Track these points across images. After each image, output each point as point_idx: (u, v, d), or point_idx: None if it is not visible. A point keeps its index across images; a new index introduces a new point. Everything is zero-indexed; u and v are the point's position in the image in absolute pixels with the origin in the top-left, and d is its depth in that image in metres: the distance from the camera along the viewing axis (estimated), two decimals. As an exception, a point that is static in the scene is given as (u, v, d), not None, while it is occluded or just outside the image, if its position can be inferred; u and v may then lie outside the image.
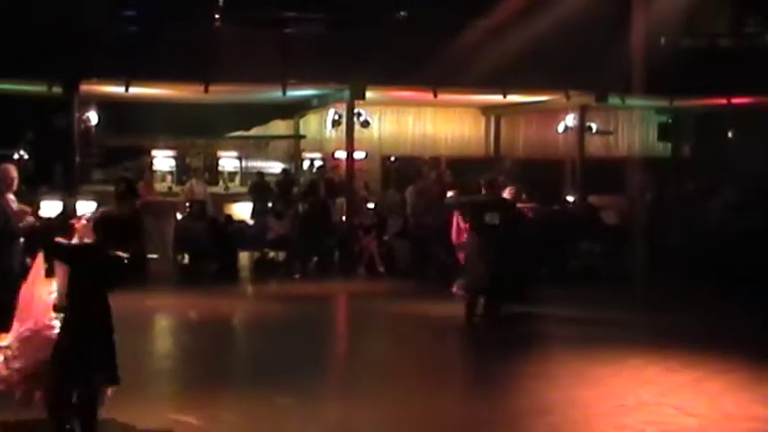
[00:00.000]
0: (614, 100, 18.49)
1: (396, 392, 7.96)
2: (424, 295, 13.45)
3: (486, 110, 21.86)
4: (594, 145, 20.32)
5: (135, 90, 16.45)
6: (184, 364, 9.33)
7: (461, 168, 19.32)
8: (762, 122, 19.71)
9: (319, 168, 19.61)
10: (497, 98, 18.93)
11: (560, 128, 20.24)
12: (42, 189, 16.23)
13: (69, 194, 14.86)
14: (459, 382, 8.60)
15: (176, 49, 15.59)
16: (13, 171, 8.94)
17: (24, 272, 11.65)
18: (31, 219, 9.01)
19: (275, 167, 20.18)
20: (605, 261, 15.29)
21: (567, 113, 19.64)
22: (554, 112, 20.29)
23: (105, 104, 18.06)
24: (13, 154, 17.99)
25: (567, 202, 18.63)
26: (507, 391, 8.06)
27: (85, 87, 15.79)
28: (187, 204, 16.64)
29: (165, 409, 7.25)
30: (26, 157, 17.62)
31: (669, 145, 21.58)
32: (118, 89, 16.35)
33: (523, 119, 22.02)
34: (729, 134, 21.66)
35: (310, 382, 8.20)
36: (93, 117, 17.84)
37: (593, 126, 20.16)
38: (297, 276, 15.43)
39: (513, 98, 19.00)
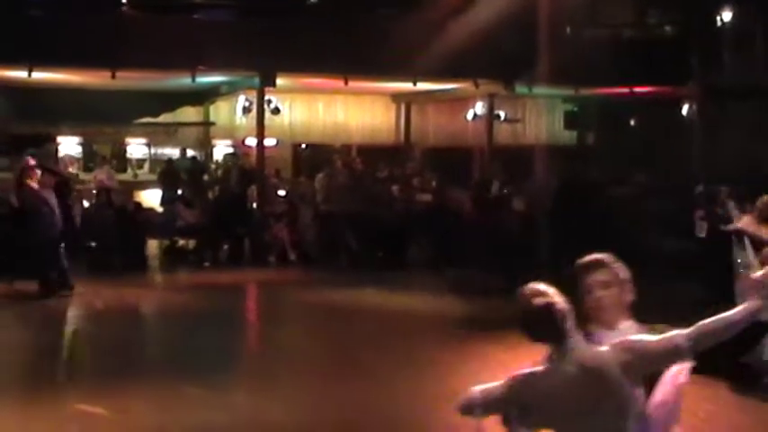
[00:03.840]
0: (522, 88, 18.86)
1: (306, 382, 8.12)
2: (335, 284, 13.56)
3: (397, 97, 21.96)
4: (502, 133, 20.71)
5: (39, 75, 16.04)
6: (92, 356, 9.26)
7: (372, 156, 19.54)
8: (662, 111, 20.52)
9: (232, 155, 19.51)
10: (407, 86, 19.06)
11: (469, 116, 20.54)
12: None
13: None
14: (376, 372, 8.73)
15: (82, 34, 15.21)
16: None
17: None
18: None
19: (183, 155, 20.00)
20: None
21: (475, 101, 19.94)
22: (463, 100, 20.57)
23: (8, 90, 17.57)
24: None
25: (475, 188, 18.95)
26: (412, 379, 8.19)
27: (-14, 72, 15.37)
28: (94, 192, 16.38)
29: (72, 400, 7.24)
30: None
31: (575, 133, 22.14)
32: (20, 74, 15.93)
33: (433, 107, 22.21)
34: (632, 122, 22.41)
35: (220, 372, 8.29)
36: (-5, 103, 17.37)
37: (502, 114, 20.54)
38: (207, 264, 15.38)
39: (423, 86, 19.14)
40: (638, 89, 19.44)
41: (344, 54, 16.19)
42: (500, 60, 16.87)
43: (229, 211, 16.09)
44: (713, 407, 7.10)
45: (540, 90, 19.42)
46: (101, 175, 17.57)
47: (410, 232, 16.26)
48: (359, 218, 15.96)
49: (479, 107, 19.72)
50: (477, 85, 18.45)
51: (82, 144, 19.64)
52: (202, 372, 8.20)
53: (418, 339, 9.89)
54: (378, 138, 22.00)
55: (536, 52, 16.44)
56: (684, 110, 20.54)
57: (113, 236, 15.06)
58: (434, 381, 8.03)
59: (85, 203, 16.50)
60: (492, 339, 9.50)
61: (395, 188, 17.65)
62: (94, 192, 16.42)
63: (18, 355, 9.13)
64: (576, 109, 21.89)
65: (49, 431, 6.77)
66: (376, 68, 16.75)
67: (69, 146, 19.39)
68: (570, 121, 21.85)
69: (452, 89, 19.61)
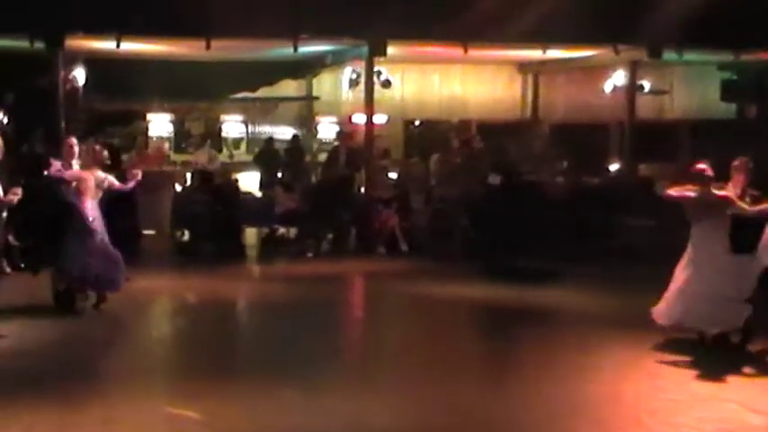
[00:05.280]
0: (670, 55, 18.29)
1: (413, 385, 8.01)
2: (450, 276, 13.52)
3: (523, 67, 21.72)
4: (646, 106, 20.14)
5: (127, 46, 16.47)
6: (182, 354, 9.44)
7: (493, 133, 19.31)
8: None
9: (339, 134, 19.63)
10: (536, 54, 18.80)
11: (607, 87, 20.10)
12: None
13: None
14: (488, 373, 8.62)
15: (174, 1, 15.58)
16: None
17: (7, 249, 11.89)
18: (15, 197, 9.27)
19: (285, 133, 20.23)
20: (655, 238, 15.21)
21: (615, 70, 19.48)
22: (600, 70, 20.13)
23: (94, 63, 18.10)
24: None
25: (609, 171, 18.54)
26: (544, 384, 8.05)
27: (71, 43, 15.82)
28: (189, 175, 16.74)
29: (162, 403, 7.36)
30: (5, 122, 17.73)
31: (733, 106, 21.36)
32: (108, 45, 16.37)
33: (565, 77, 21.91)
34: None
35: (320, 373, 8.28)
36: (80, 77, 17.92)
37: (646, 84, 19.99)
38: (309, 255, 15.51)
39: (554, 54, 18.84)
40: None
41: (464, 19, 16.01)
42: (644, 22, 16.39)
43: (334, 196, 16.16)
44: None
45: (691, 56, 18.80)
46: (201, 156, 17.90)
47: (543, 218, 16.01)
48: (478, 203, 15.78)
49: (619, 77, 19.24)
50: (617, 52, 17.98)
51: (173, 122, 20.11)
52: (301, 372, 8.21)
53: (545, 339, 9.72)
54: (500, 113, 21.78)
55: (687, 12, 15.90)
56: None
57: (207, 223, 15.36)
58: (563, 388, 7.83)
59: (177, 188, 16.87)
60: (635, 342, 9.27)
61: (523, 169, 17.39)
62: (189, 174, 16.76)
63: (100, 351, 9.34)
64: (735, 77, 21.08)
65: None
66: (500, 34, 16.51)
67: (159, 124, 19.87)
68: (728, 91, 21.05)
69: (588, 56, 19.22)
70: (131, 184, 10.80)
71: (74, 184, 10.37)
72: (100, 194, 10.48)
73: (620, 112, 19.30)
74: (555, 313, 11.22)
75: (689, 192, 9.06)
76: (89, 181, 10.36)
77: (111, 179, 10.62)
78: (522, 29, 16.19)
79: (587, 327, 10.32)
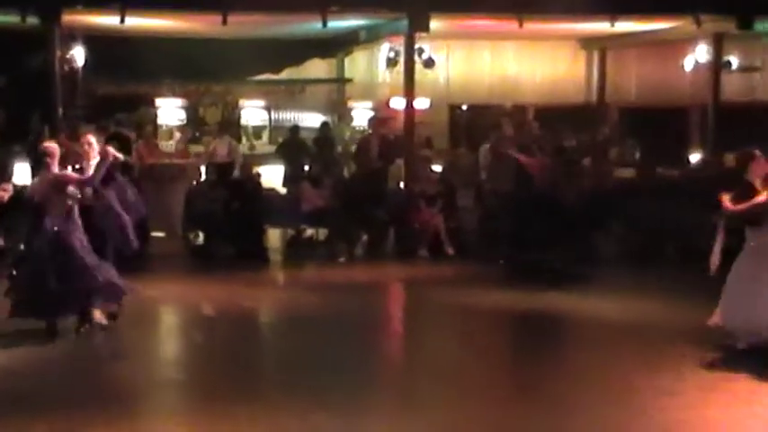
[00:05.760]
0: (762, 25, 18.11)
1: (461, 408, 7.99)
2: (502, 283, 13.54)
3: (588, 43, 21.65)
4: (733, 86, 19.97)
5: (133, 21, 16.60)
6: (198, 373, 9.43)
7: (553, 119, 19.23)
8: None
9: (371, 121, 19.64)
10: (602, 27, 18.73)
11: (687, 64, 19.93)
12: (15, 149, 16.57)
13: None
14: (549, 395, 8.54)
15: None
16: None
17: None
18: (5, 194, 9.25)
19: (313, 120, 20.29)
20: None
21: (696, 44, 19.33)
22: (679, 44, 20.05)
23: (95, 40, 18.29)
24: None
25: (689, 162, 18.39)
26: (614, 410, 7.92)
27: (69, 18, 15.99)
28: (203, 168, 16.83)
29: (176, 427, 7.38)
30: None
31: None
32: (111, 20, 16.53)
33: (636, 53, 21.83)
34: None
35: (356, 393, 8.27)
36: (79, 56, 18.08)
37: (733, 61, 19.86)
38: (341, 260, 15.52)
39: (624, 26, 18.77)
40: None
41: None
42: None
43: (368, 191, 16.16)
44: None
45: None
46: (221, 147, 17.97)
47: (603, 218, 15.92)
48: (535, 200, 15.69)
49: (701, 52, 19.10)
50: (698, 23, 17.85)
51: (185, 108, 20.23)
52: (335, 393, 8.19)
53: (608, 356, 9.67)
54: (561, 96, 21.75)
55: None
56: None
57: (225, 223, 15.43)
58: (634, 415, 7.73)
59: (191, 183, 16.96)
60: (714, 360, 9.18)
61: (585, 161, 17.31)
62: (204, 168, 16.86)
63: (104, 370, 9.39)
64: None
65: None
66: (560, 4, 16.45)
67: (170, 110, 20.00)
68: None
69: (664, 29, 19.10)
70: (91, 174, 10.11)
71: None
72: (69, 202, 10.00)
73: (703, 92, 19.20)
74: (621, 325, 11.12)
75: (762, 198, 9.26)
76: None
77: (68, 174, 10.12)
78: (585, -2, 16.19)
79: (658, 341, 10.19)
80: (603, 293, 12.85)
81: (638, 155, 18.50)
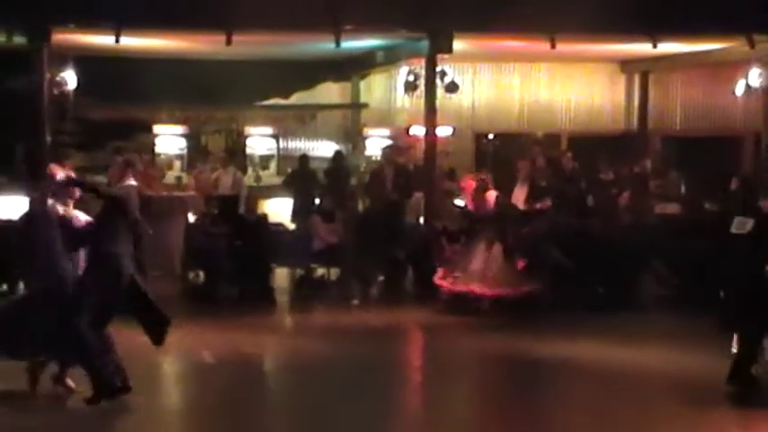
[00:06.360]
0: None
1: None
2: (535, 329, 13.50)
3: (628, 65, 21.69)
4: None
5: (128, 41, 16.70)
6: (195, 428, 9.41)
7: (589, 149, 19.21)
8: None
9: (386, 150, 19.68)
10: (644, 48, 18.74)
11: (738, 89, 19.91)
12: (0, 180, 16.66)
13: (36, 188, 15.16)
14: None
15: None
16: None
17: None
18: None
19: (325, 149, 20.34)
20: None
21: (749, 67, 19.31)
22: (729, 67, 19.97)
23: (87, 61, 18.38)
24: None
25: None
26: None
27: (60, 37, 16.09)
28: (204, 201, 16.89)
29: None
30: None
31: None
32: (105, 39, 16.63)
33: (682, 77, 21.84)
34: None
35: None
36: (70, 78, 18.18)
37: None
38: (355, 302, 15.51)
39: (668, 47, 18.78)
40: None
41: (550, 4, 16.02)
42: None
43: (385, 227, 16.16)
44: None
45: None
46: (225, 178, 18.05)
47: (645, 258, 15.87)
48: (569, 237, 15.68)
49: (754, 75, 19.05)
50: (752, 44, 17.81)
51: (186, 135, 20.30)
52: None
53: (654, 414, 9.59)
54: (598, 123, 21.80)
55: None
56: None
57: (228, 261, 15.44)
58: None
59: (191, 217, 17.00)
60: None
61: (624, 195, 17.27)
62: (203, 201, 16.90)
63: (91, 426, 9.39)
64: None
65: None
66: (596, 24, 16.49)
67: (169, 137, 20.09)
68: None
69: (712, 50, 19.13)
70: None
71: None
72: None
73: (756, 120, 19.19)
74: (662, 378, 11.06)
75: None
76: None
77: None
78: (624, 16, 16.17)
79: (701, 397, 10.14)
80: (643, 341, 12.78)
81: (682, 188, 18.43)
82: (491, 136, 22.13)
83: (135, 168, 14.81)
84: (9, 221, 14.23)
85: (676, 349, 12.21)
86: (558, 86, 22.15)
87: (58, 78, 17.53)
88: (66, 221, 9.68)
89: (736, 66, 19.65)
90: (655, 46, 18.32)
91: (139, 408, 9.97)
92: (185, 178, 19.09)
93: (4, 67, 17.62)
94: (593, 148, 19.66)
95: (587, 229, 15.84)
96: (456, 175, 19.05)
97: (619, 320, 13.94)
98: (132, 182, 14.20)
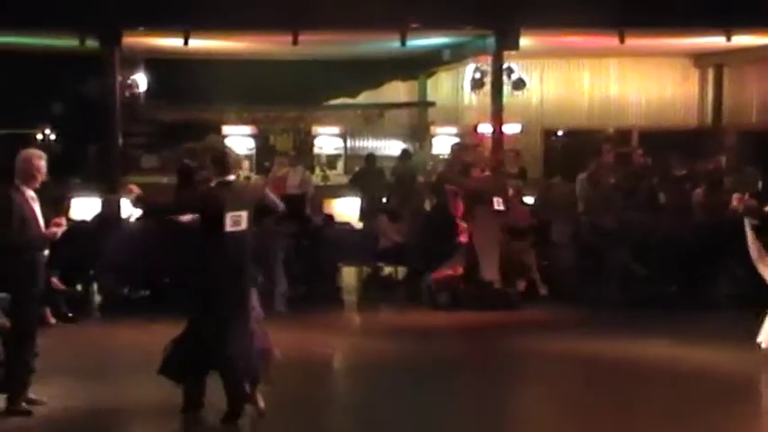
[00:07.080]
0: None
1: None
2: (604, 329, 13.40)
3: (701, 59, 21.55)
4: None
5: (197, 43, 16.94)
6: (267, 428, 9.53)
7: (661, 145, 19.10)
8: None
9: (453, 147, 19.71)
10: (717, 41, 18.63)
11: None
12: (74, 181, 17.00)
13: (110, 189, 15.48)
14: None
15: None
16: (38, 159, 9.21)
17: (50, 295, 12.29)
18: (58, 230, 9.22)
19: (392, 148, 20.43)
20: None
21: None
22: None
23: (158, 64, 18.66)
24: (35, 134, 18.80)
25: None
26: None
27: (130, 40, 16.35)
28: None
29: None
30: (53, 137, 18.39)
31: None
32: (174, 42, 16.88)
33: (758, 70, 21.64)
34: None
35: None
36: (141, 81, 18.47)
37: None
38: (422, 300, 15.60)
39: (743, 40, 18.64)
40: None
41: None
42: None
43: (449, 226, 16.21)
44: None
45: None
46: (293, 177, 18.17)
47: (720, 256, 15.76)
48: (641, 236, 15.64)
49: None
50: (835, 34, 17.64)
51: (254, 135, 20.52)
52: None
53: (732, 414, 9.53)
54: (670, 119, 21.66)
55: None
56: None
57: (293, 262, 15.56)
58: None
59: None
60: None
61: (697, 192, 17.17)
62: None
63: (160, 423, 9.55)
64: None
65: None
66: (667, 16, 16.42)
67: (238, 138, 20.30)
68: None
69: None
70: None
71: None
72: None
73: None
74: (738, 380, 10.96)
75: None
76: None
77: None
78: (695, 8, 16.08)
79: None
80: (719, 342, 12.54)
81: (759, 184, 18.26)
82: (560, 133, 22.10)
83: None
84: (83, 222, 14.64)
85: (754, 351, 12.07)
86: (628, 82, 22.10)
87: (129, 81, 17.83)
88: None
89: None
90: (728, 39, 18.18)
91: (208, 407, 10.17)
92: (254, 178, 19.28)
93: (78, 71, 17.89)
94: (665, 144, 19.53)
95: (659, 226, 15.79)
96: (525, 173, 19.10)
97: (693, 320, 13.81)
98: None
